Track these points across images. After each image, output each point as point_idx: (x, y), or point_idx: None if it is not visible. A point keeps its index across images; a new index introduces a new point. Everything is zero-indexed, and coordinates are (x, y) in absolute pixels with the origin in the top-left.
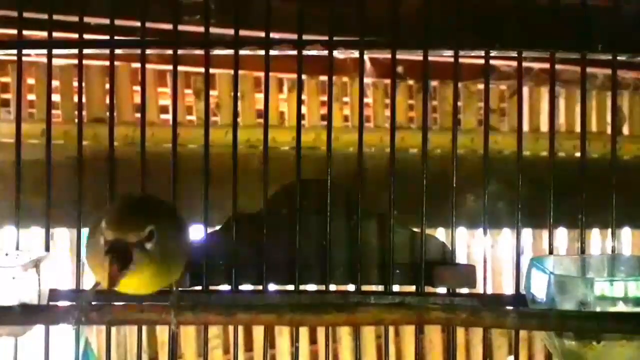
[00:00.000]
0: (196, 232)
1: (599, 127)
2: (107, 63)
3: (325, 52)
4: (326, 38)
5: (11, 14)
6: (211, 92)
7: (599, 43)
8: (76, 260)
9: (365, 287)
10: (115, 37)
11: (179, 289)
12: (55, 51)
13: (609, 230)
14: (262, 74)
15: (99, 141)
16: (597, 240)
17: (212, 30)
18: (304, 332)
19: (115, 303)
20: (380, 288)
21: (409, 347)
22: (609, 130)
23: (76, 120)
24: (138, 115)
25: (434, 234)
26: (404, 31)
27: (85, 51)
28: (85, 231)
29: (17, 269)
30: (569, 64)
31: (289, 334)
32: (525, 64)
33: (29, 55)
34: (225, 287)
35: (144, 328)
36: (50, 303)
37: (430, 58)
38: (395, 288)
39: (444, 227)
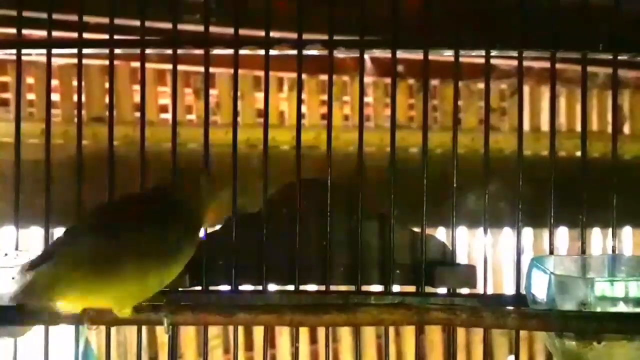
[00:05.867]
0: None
1: (600, 126)
2: (106, 62)
3: (325, 52)
4: (326, 38)
5: (10, 14)
6: (211, 92)
7: (600, 42)
8: None
9: (365, 287)
10: (115, 37)
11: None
12: (54, 51)
13: (610, 229)
14: (262, 74)
15: (99, 141)
16: (598, 239)
17: (212, 29)
18: (304, 332)
19: None
20: (381, 288)
21: (409, 347)
22: (609, 130)
23: (76, 120)
24: (138, 114)
25: (434, 233)
26: (404, 30)
27: (85, 51)
28: None
29: (17, 269)
30: (569, 63)
31: (289, 334)
32: (525, 63)
33: (28, 54)
34: (225, 288)
35: (144, 328)
36: None
37: (430, 57)
38: (396, 288)
39: (445, 226)
